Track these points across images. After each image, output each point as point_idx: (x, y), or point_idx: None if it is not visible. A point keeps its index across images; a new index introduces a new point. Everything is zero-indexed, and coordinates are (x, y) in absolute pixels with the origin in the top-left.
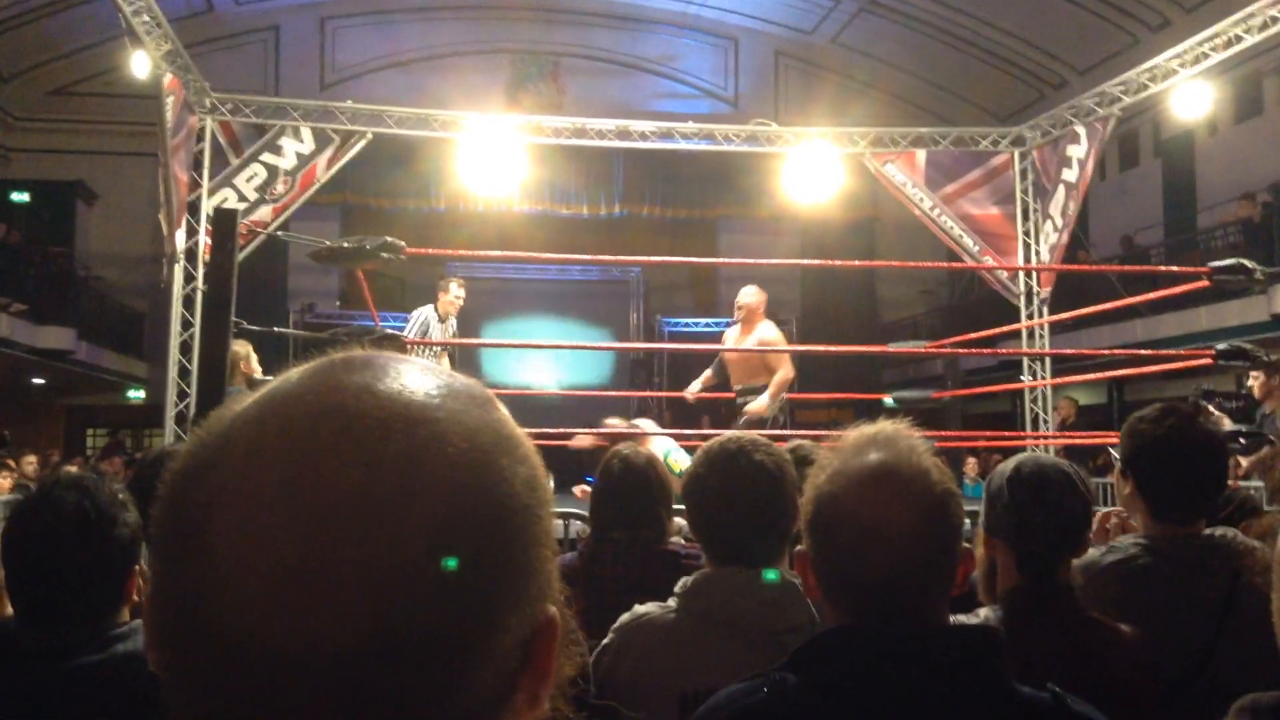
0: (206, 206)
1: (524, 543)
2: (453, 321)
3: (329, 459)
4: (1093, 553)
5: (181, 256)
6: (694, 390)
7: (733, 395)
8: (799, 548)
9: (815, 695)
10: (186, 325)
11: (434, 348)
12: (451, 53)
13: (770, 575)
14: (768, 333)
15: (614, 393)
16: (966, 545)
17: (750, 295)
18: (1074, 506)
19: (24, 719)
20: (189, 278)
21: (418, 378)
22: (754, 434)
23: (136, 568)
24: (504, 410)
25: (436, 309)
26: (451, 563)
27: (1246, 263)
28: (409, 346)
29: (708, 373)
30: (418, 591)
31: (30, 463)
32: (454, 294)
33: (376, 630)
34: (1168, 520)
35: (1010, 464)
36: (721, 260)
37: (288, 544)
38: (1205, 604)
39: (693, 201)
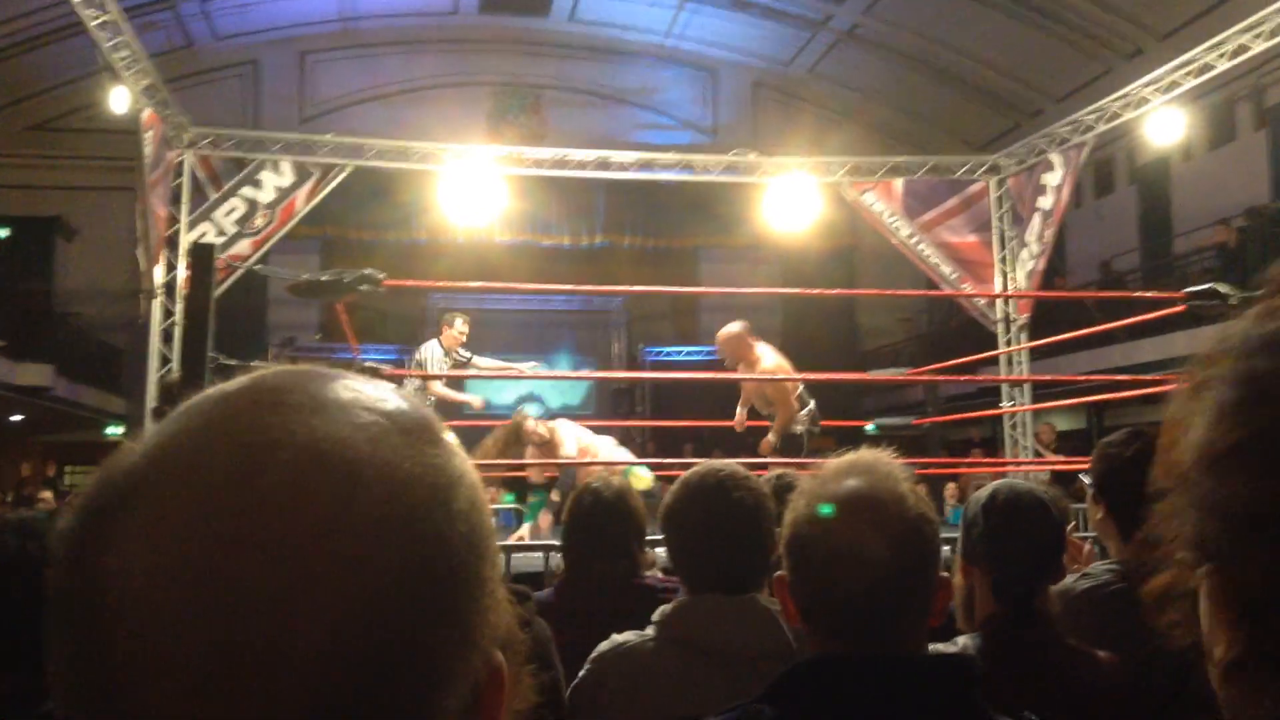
0: (185, 241)
1: (460, 605)
2: (458, 356)
3: (237, 537)
4: (1068, 579)
5: (160, 291)
6: (741, 421)
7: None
8: (778, 573)
9: None
10: (165, 361)
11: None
12: (432, 85)
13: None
14: (765, 361)
15: (596, 421)
16: (945, 575)
17: (722, 337)
18: (1048, 533)
19: None
20: (167, 313)
21: (346, 416)
22: (733, 464)
23: None
24: (447, 443)
25: (441, 343)
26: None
27: (1221, 288)
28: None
29: (739, 408)
30: (342, 681)
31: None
32: (458, 328)
33: (305, 710)
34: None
35: (985, 491)
36: (702, 289)
37: (195, 640)
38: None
39: (673, 231)
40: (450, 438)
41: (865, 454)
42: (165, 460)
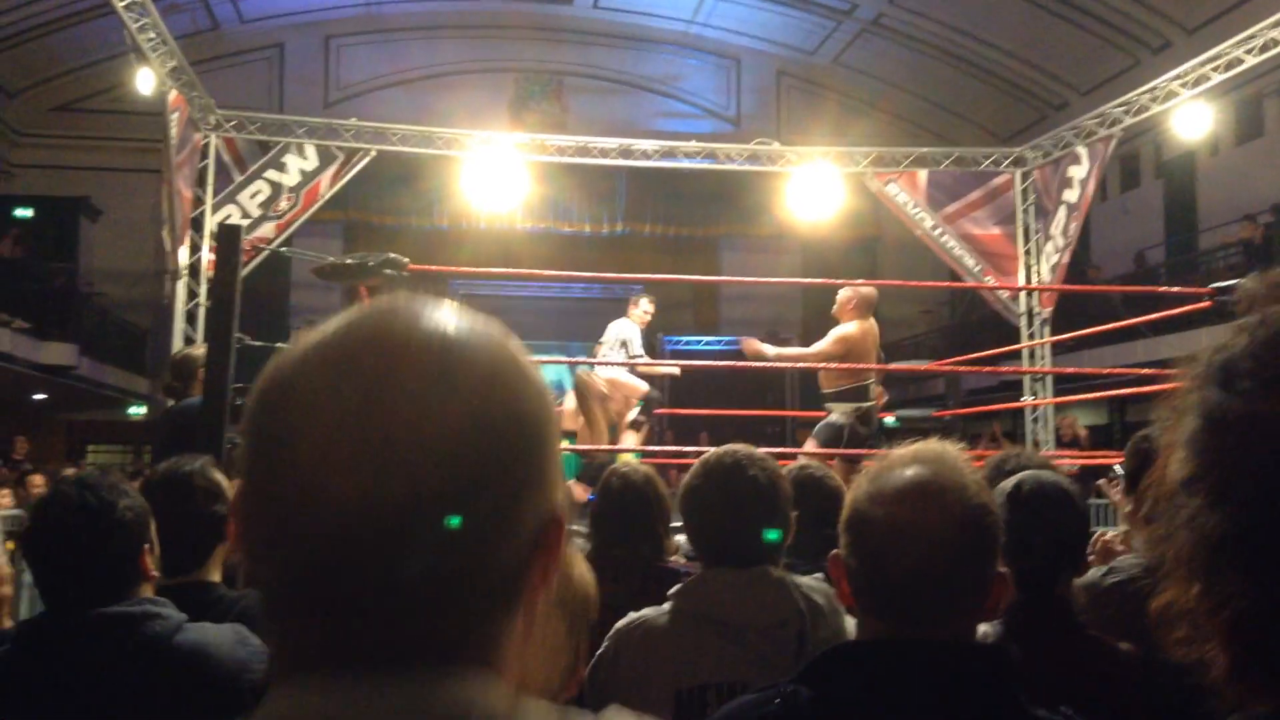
0: (210, 223)
1: (538, 439)
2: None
3: (387, 368)
4: (1094, 573)
5: (185, 272)
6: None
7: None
8: (834, 551)
9: (828, 708)
10: (189, 342)
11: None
12: (455, 71)
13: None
14: (843, 329)
15: None
16: (1004, 571)
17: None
18: (1073, 525)
19: (69, 698)
20: (192, 294)
21: (450, 317)
22: (749, 448)
23: (146, 546)
24: (521, 348)
25: (634, 321)
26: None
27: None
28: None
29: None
30: (459, 458)
31: (36, 484)
32: (643, 308)
33: (424, 486)
34: None
35: (1010, 481)
36: (723, 279)
37: (352, 417)
38: None
39: (695, 220)
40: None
41: (931, 443)
42: (325, 340)
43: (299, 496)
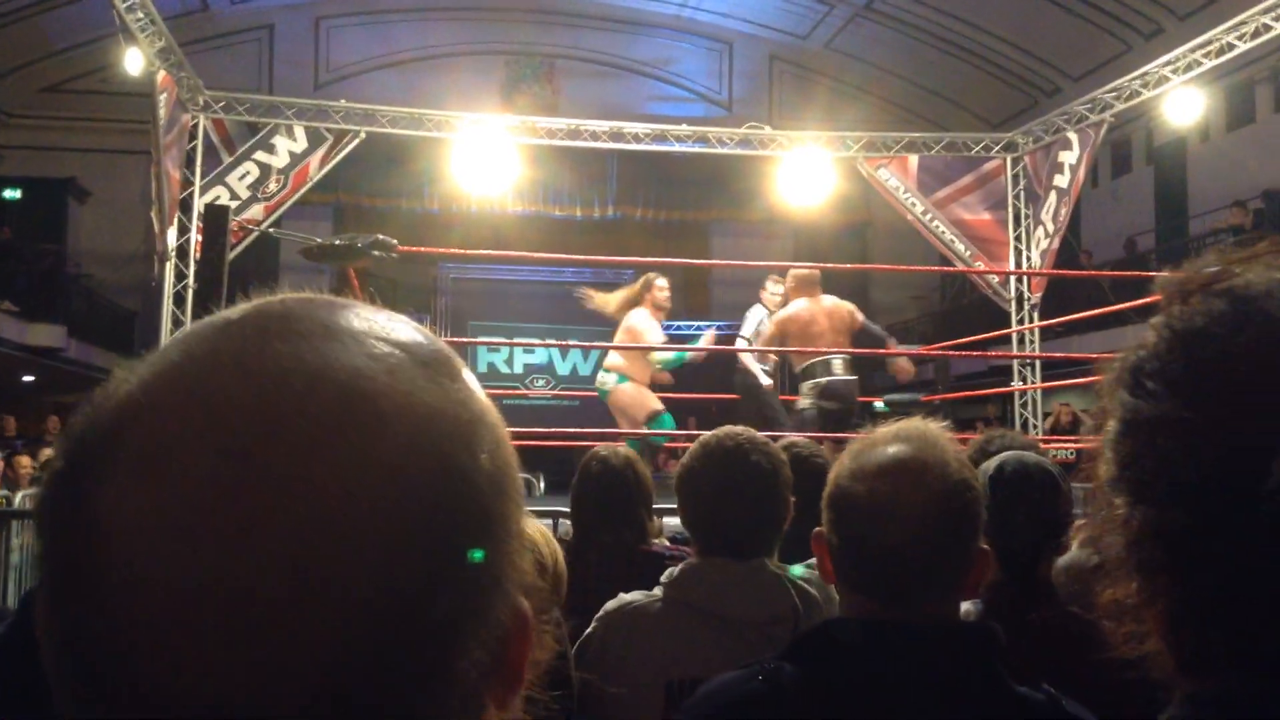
0: (198, 204)
1: (490, 512)
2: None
3: (246, 474)
4: (1078, 554)
5: (173, 254)
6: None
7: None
8: (817, 529)
9: (810, 685)
10: (177, 323)
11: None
12: (446, 53)
13: (796, 571)
14: (781, 312)
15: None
16: (985, 548)
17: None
18: (1056, 506)
19: None
20: (180, 275)
21: (360, 345)
22: (750, 430)
23: None
24: (467, 378)
25: (765, 305)
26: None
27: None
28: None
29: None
30: (365, 634)
31: (25, 465)
32: (770, 290)
33: (324, 677)
34: None
35: (993, 462)
36: (714, 263)
37: (196, 484)
38: None
39: (686, 204)
40: (469, 374)
41: (913, 422)
42: (163, 389)
43: (101, 596)
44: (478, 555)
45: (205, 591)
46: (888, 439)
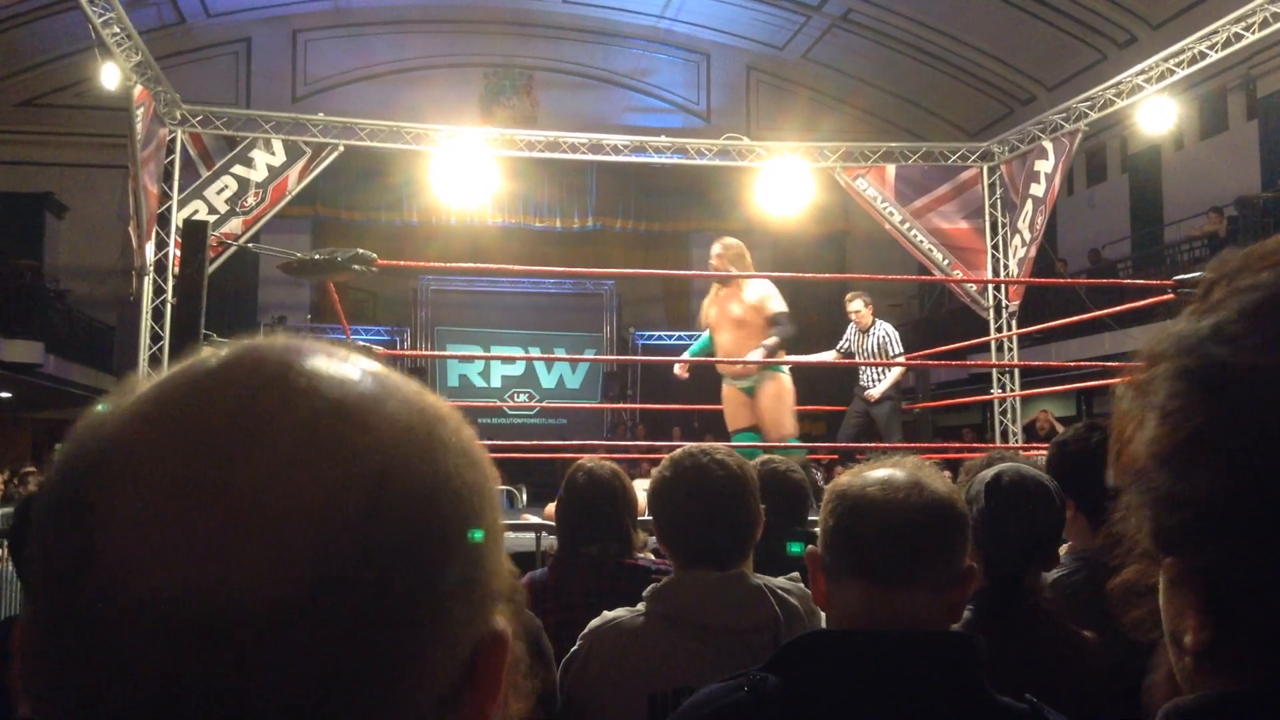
0: (177, 219)
1: (465, 530)
2: (880, 330)
3: (238, 437)
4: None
5: (151, 269)
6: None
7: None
8: (810, 548)
9: (794, 696)
10: (156, 338)
11: None
12: (424, 66)
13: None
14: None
15: (588, 405)
16: (972, 565)
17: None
18: (1048, 519)
19: None
20: (159, 290)
21: (346, 364)
22: (716, 445)
23: None
24: (448, 408)
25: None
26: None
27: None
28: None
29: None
30: (343, 552)
31: None
32: (852, 308)
33: (286, 585)
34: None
35: (991, 471)
36: (694, 273)
37: (185, 499)
38: None
39: (665, 215)
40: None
41: (907, 457)
42: (161, 400)
43: (100, 607)
44: (478, 535)
45: (177, 591)
46: (886, 465)
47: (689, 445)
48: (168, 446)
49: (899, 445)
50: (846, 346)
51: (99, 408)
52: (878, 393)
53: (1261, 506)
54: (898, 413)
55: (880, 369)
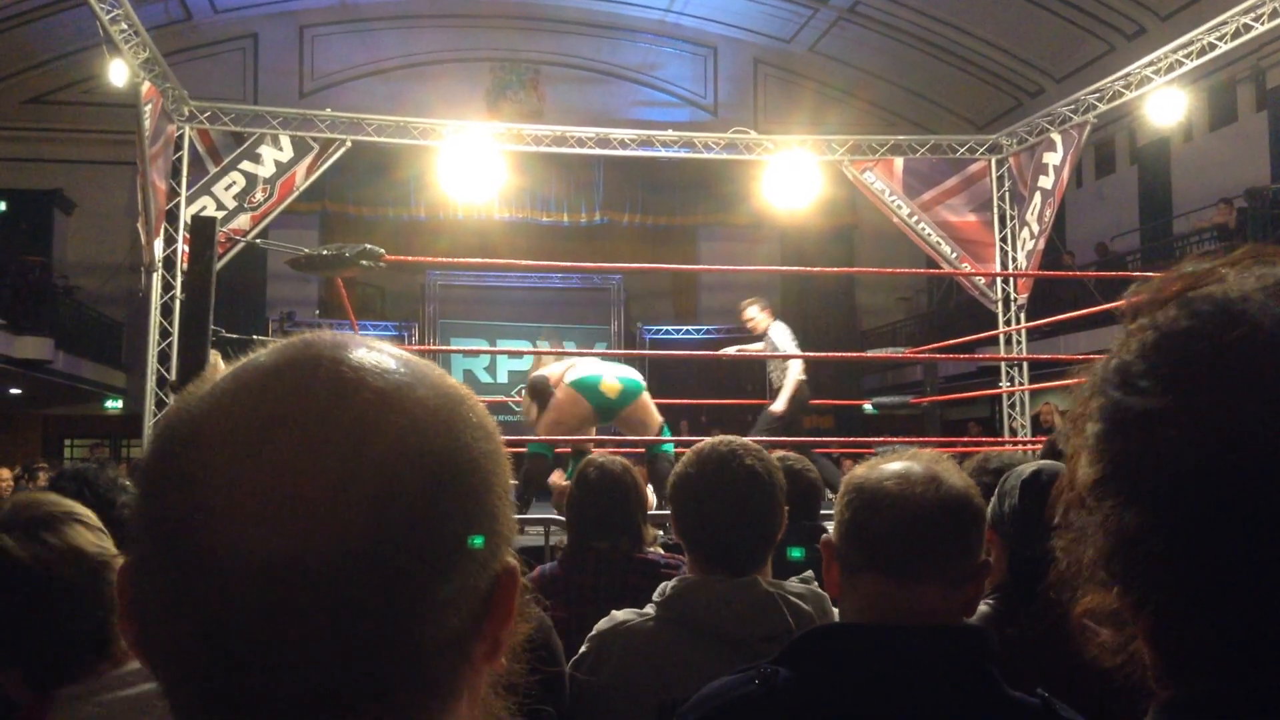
0: (185, 215)
1: (484, 485)
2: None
3: (309, 401)
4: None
5: (160, 265)
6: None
7: None
8: (825, 537)
9: (806, 689)
10: (165, 334)
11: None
12: (431, 61)
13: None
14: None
15: None
16: (987, 559)
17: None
18: None
19: None
20: (167, 286)
21: (378, 348)
22: (744, 439)
23: None
24: (464, 388)
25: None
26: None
27: None
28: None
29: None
30: (395, 506)
31: (4, 477)
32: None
33: (358, 538)
34: None
35: (1030, 467)
36: (702, 267)
37: (271, 462)
38: None
39: (673, 209)
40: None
41: (922, 451)
42: (239, 376)
43: (206, 558)
44: (493, 494)
45: (271, 487)
46: (898, 459)
47: (715, 438)
48: (249, 430)
49: (907, 440)
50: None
51: (183, 397)
52: (779, 406)
53: (1174, 541)
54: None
55: (779, 371)
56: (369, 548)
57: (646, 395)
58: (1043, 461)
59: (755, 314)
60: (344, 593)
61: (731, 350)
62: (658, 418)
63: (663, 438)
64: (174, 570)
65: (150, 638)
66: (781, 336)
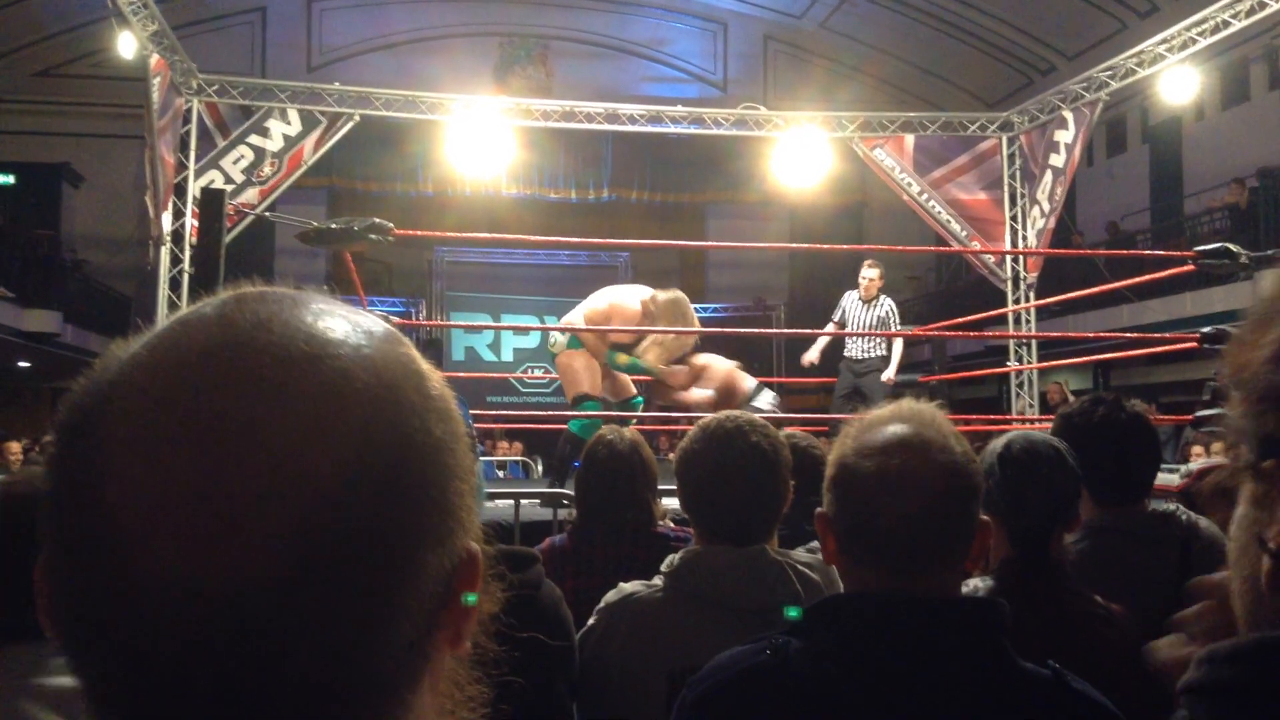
0: (193, 188)
1: (438, 477)
2: (884, 304)
3: (229, 394)
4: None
5: (168, 239)
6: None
7: None
8: (819, 510)
9: (817, 660)
10: (173, 308)
11: None
12: (439, 35)
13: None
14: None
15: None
16: (986, 519)
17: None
18: (1065, 481)
19: None
20: (175, 260)
21: (318, 312)
22: (751, 415)
23: None
24: (412, 347)
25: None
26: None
27: (1232, 248)
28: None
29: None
30: (330, 523)
31: (14, 450)
32: (867, 275)
33: (290, 563)
34: (1110, 504)
35: (1000, 441)
36: (710, 244)
37: (190, 479)
38: (1158, 576)
39: (682, 186)
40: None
41: (908, 402)
42: (155, 347)
43: (116, 573)
44: (448, 477)
45: (194, 501)
46: (887, 419)
47: (722, 413)
48: (160, 437)
49: None
50: (841, 316)
51: (86, 378)
52: (892, 374)
53: None
54: (885, 383)
55: (875, 344)
56: (300, 575)
57: (567, 356)
58: (1011, 434)
59: (876, 276)
60: (273, 625)
61: (814, 355)
62: (578, 384)
63: (580, 412)
64: (80, 584)
65: (70, 644)
66: (893, 309)
